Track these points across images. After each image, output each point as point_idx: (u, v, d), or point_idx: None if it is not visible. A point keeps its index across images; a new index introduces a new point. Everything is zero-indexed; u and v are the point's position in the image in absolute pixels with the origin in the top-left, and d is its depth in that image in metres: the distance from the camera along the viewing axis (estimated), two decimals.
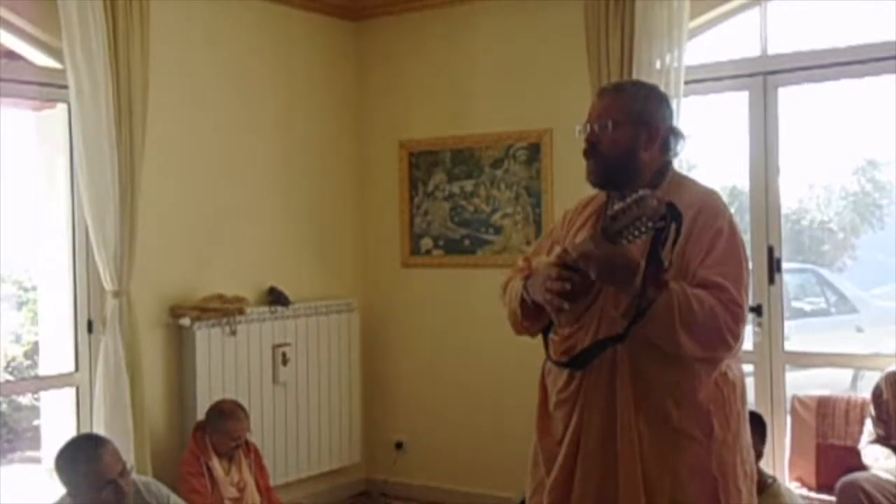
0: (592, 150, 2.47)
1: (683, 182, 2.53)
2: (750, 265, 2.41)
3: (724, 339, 2.27)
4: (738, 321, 2.29)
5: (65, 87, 4.08)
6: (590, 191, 2.62)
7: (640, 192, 2.09)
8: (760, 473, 3.72)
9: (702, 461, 2.35)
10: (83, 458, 3.27)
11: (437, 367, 5.52)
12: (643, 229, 2.07)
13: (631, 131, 2.44)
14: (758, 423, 3.75)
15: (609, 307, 2.35)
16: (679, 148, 2.53)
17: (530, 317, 2.54)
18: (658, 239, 2.12)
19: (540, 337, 2.62)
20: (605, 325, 2.37)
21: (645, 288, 2.18)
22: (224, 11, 4.98)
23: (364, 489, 5.72)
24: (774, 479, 3.77)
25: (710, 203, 2.41)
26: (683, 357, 2.29)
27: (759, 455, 3.69)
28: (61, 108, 4.32)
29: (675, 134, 2.52)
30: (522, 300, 2.51)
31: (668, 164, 2.51)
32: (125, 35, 4.18)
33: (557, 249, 2.44)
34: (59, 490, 3.38)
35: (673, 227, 2.12)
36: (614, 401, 2.37)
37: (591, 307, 2.40)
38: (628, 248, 2.16)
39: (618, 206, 2.12)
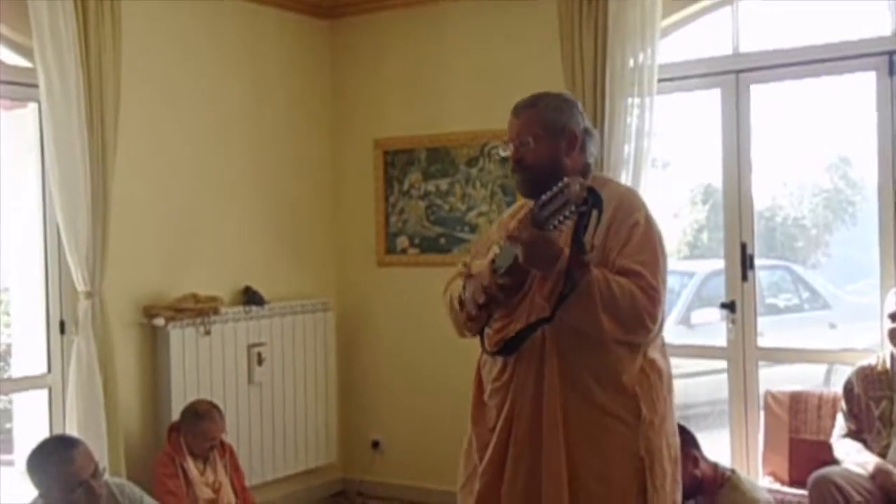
0: (518, 165, 2.65)
1: (605, 181, 2.74)
2: (666, 254, 2.59)
3: (642, 320, 2.46)
4: (656, 304, 2.47)
5: (35, 86, 4.04)
6: None
7: (566, 180, 2.25)
8: (717, 468, 3.78)
9: (630, 442, 2.52)
10: (54, 459, 3.26)
11: (413, 365, 5.52)
12: (567, 213, 2.25)
13: (551, 142, 2.62)
14: (685, 433, 3.60)
15: (537, 296, 2.51)
16: (593, 148, 2.70)
17: (471, 317, 2.69)
18: (581, 224, 2.30)
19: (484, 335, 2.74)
20: (535, 315, 2.52)
21: (570, 271, 2.35)
22: (196, 10, 4.95)
23: (340, 489, 5.72)
24: (733, 472, 3.81)
25: (627, 198, 2.62)
26: (605, 339, 2.46)
27: (696, 460, 3.73)
28: (32, 107, 4.29)
29: (589, 134, 2.69)
30: (461, 299, 2.69)
31: (588, 165, 2.68)
32: (96, 34, 4.15)
33: (494, 248, 2.62)
34: (32, 492, 3.36)
35: (594, 213, 2.30)
36: (543, 386, 2.53)
37: (523, 300, 2.57)
38: (554, 234, 2.35)
39: (546, 195, 2.30)
